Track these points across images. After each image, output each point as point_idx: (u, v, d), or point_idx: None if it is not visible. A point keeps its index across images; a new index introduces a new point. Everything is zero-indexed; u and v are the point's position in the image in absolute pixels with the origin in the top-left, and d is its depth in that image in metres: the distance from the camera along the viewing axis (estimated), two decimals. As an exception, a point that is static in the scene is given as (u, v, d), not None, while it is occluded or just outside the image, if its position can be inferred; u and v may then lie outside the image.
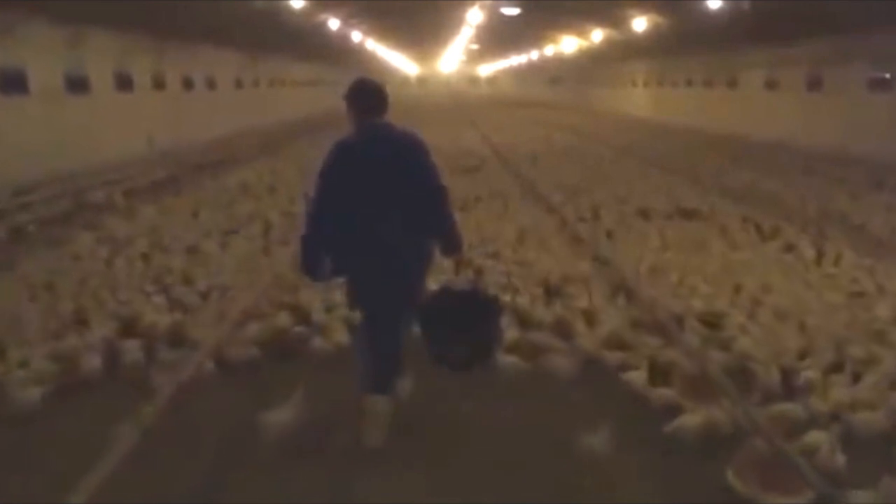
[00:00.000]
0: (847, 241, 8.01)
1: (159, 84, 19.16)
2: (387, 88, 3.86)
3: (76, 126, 14.48)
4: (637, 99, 35.48)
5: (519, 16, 27.50)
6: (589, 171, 14.10)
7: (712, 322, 5.28)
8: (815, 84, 19.63)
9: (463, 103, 43.29)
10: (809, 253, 7.32)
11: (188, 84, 21.39)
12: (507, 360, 4.66)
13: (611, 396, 4.42)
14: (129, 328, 5.22)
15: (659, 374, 4.45)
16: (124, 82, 16.99)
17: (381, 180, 3.62)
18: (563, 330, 5.16)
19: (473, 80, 74.90)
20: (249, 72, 27.71)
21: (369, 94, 3.75)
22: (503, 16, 27.78)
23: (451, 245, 3.85)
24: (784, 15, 17.66)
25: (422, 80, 78.53)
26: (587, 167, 14.85)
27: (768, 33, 19.57)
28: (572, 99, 46.38)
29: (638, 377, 4.40)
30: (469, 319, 3.77)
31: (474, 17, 28.45)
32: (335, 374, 4.60)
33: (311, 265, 3.73)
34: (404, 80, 77.08)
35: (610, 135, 23.26)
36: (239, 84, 26.56)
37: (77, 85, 14.81)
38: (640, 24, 23.50)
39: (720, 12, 18.84)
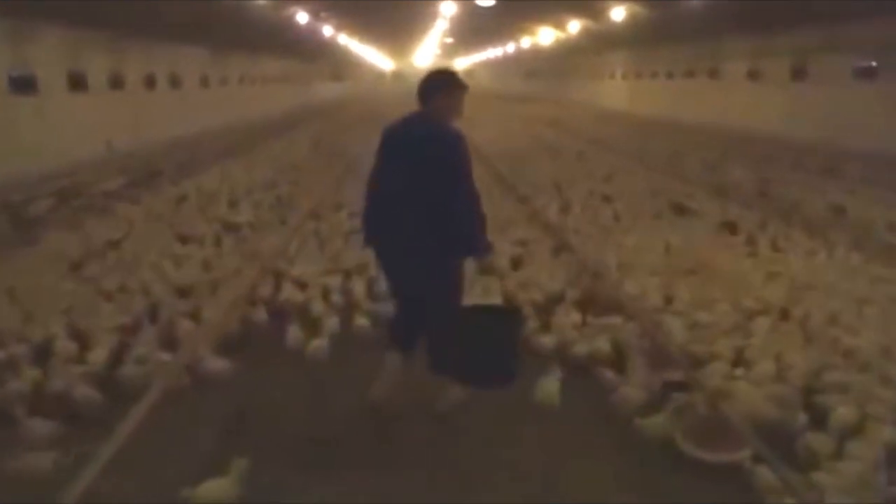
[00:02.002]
0: (856, 243, 7.44)
1: (117, 83, 18.14)
2: (450, 77, 3.87)
3: (22, 129, 13.50)
4: (616, 91, 34.96)
5: (494, 7, 26.77)
6: (569, 167, 13.51)
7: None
8: (799, 74, 19.16)
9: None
10: (829, 257, 6.73)
11: (150, 83, 20.36)
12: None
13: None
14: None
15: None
16: (78, 81, 15.96)
17: (405, 167, 3.69)
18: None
19: (449, 74, 74.00)
20: (217, 69, 26.70)
21: (421, 84, 3.85)
22: (478, 7, 27.05)
23: (465, 247, 3.78)
24: (767, 3, 17.15)
25: (397, 75, 77.64)
26: (567, 163, 14.27)
27: (751, 22, 19.07)
28: (550, 92, 45.82)
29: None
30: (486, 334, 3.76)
31: (448, 8, 27.74)
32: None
33: (364, 232, 3.97)
34: (379, 76, 76.22)
35: (589, 128, 22.68)
36: (206, 82, 25.55)
37: (23, 85, 13.80)
38: (618, 13, 22.89)
39: (701, 1, 18.29)
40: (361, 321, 5.30)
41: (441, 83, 3.83)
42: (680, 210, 9.33)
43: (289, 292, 5.90)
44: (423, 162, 3.64)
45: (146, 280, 6.17)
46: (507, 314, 4.16)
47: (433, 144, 3.67)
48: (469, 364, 3.76)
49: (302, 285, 6.09)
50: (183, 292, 5.93)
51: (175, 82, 22.41)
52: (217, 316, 5.30)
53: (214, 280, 6.24)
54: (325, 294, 5.88)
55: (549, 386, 4.10)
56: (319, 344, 4.88)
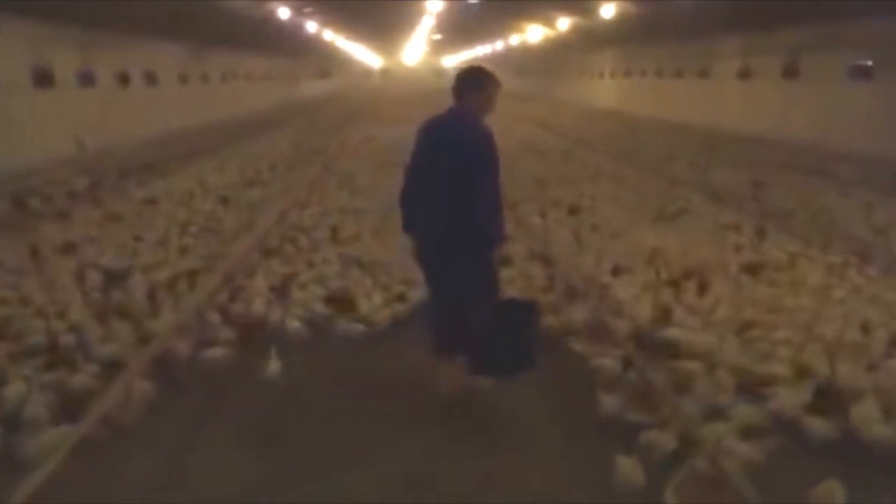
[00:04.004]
0: (859, 249, 6.96)
1: (87, 79, 17.41)
2: (483, 74, 3.96)
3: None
4: (605, 90, 34.51)
5: (481, 3, 26.27)
6: (557, 169, 13.02)
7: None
8: (791, 73, 18.74)
9: (428, 96, 42.02)
10: (850, 273, 6.10)
11: (123, 79, 19.63)
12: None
13: None
14: None
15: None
16: (44, 78, 15.24)
17: (437, 162, 3.80)
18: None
19: (440, 72, 73.60)
20: (197, 65, 25.99)
21: (455, 81, 3.96)
22: (464, 4, 26.53)
23: (486, 239, 3.82)
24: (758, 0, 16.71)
25: (385, 73, 77.06)
26: (554, 164, 13.81)
27: (741, 20, 18.63)
28: (539, 90, 45.38)
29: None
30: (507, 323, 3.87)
31: (434, 5, 27.21)
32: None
33: (403, 220, 4.08)
34: (367, 73, 75.54)
35: (578, 129, 22.20)
36: (184, 79, 24.83)
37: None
38: (608, 10, 22.40)
39: (692, -2, 17.84)
40: (294, 324, 5.11)
41: (474, 80, 3.93)
42: (670, 215, 8.87)
43: (243, 304, 5.49)
44: (454, 157, 3.72)
45: (82, 295, 5.61)
46: (523, 305, 4.22)
47: (463, 140, 3.75)
48: (489, 352, 3.87)
49: (258, 292, 5.68)
50: (121, 311, 5.34)
51: (151, 80, 21.70)
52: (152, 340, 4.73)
53: (159, 290, 5.72)
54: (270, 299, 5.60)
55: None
56: (274, 365, 4.45)
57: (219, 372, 4.53)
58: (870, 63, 15.75)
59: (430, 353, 4.12)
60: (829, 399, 3.78)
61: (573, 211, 9.07)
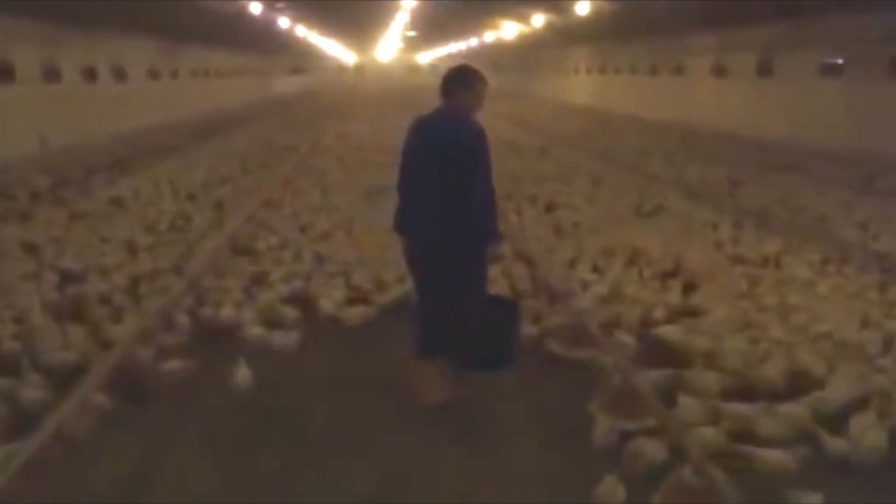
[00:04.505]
0: (837, 247, 6.93)
1: (52, 75, 16.90)
2: (471, 73, 3.97)
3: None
4: (580, 87, 34.55)
5: (456, 0, 26.14)
6: (534, 166, 12.91)
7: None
8: (765, 70, 18.86)
9: (402, 92, 41.80)
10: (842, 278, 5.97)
11: (90, 75, 19.12)
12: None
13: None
14: None
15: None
16: (4, 72, 14.74)
17: (428, 160, 3.77)
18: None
19: (414, 69, 73.31)
20: (167, 61, 25.47)
21: (443, 80, 3.95)
22: (439, 1, 26.38)
23: (480, 235, 3.80)
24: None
25: (359, 69, 76.53)
26: (531, 162, 13.69)
27: (715, 17, 18.72)
28: (513, 87, 45.32)
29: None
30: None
31: (409, 1, 27.03)
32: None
33: (395, 221, 4.01)
34: (341, 69, 74.96)
35: (553, 125, 22.10)
36: (154, 74, 24.30)
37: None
38: (582, 7, 22.39)
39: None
40: (256, 330, 4.92)
41: (461, 79, 3.94)
42: (648, 212, 8.79)
43: (210, 307, 5.28)
44: (446, 155, 3.70)
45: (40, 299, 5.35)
46: (505, 303, 4.23)
47: (455, 138, 3.74)
48: (475, 347, 3.87)
49: (227, 293, 5.48)
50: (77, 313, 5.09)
51: (120, 75, 21.19)
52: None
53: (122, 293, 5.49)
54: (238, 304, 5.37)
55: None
56: (242, 372, 4.23)
57: (182, 379, 4.32)
58: (840, 61, 15.88)
59: (414, 355, 4.01)
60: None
61: (550, 208, 8.97)
